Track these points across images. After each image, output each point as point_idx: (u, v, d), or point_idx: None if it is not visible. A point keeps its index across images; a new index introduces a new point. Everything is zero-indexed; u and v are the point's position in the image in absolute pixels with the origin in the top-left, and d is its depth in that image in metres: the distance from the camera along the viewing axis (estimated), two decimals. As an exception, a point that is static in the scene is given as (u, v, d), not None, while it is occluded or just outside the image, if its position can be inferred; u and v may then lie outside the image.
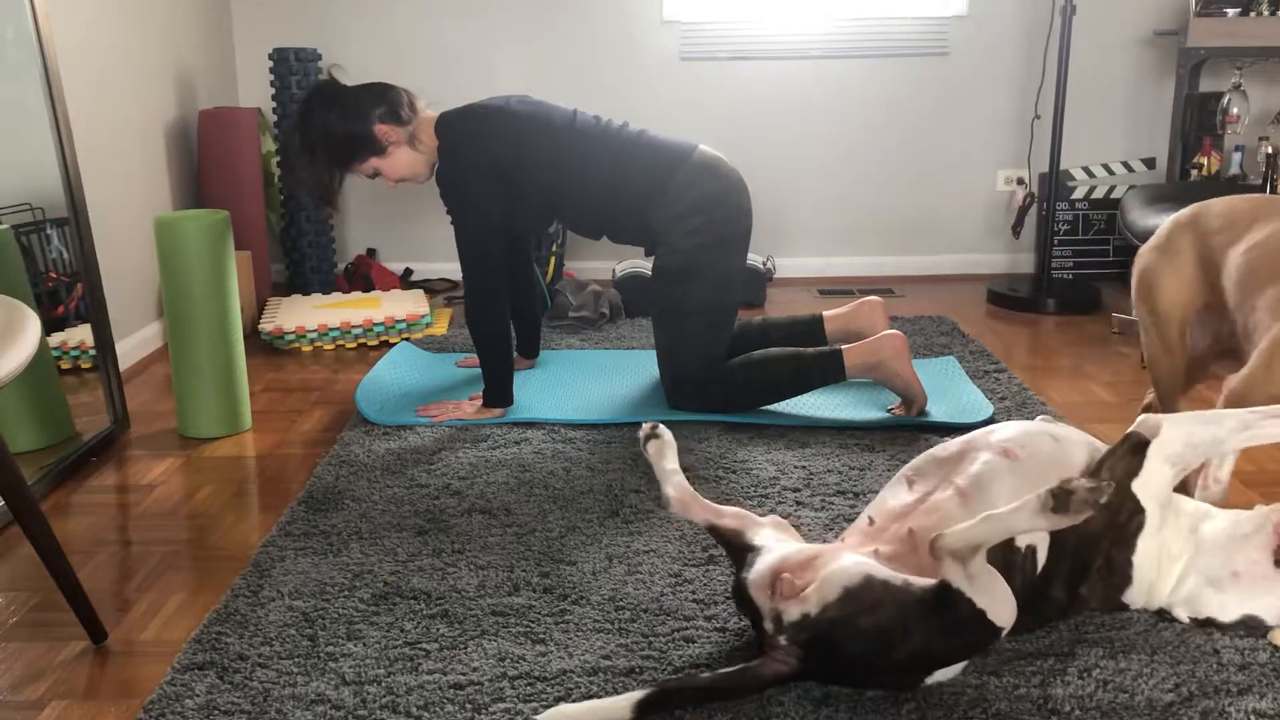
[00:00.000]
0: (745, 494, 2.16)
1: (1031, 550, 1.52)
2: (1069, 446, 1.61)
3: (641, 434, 1.77)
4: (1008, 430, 1.64)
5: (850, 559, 1.49)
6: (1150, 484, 1.54)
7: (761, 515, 1.72)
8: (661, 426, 1.77)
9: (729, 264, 2.59)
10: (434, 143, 2.59)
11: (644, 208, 2.56)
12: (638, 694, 1.42)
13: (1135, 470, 1.54)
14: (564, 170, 2.56)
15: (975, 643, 1.41)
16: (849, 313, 2.74)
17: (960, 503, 1.54)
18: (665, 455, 1.73)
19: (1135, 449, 1.55)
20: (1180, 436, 1.54)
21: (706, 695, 1.47)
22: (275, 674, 1.57)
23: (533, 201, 2.61)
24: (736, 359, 2.60)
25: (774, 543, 1.62)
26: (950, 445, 1.67)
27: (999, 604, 1.37)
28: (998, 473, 1.56)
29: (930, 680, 1.47)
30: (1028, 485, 1.52)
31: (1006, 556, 1.48)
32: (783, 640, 1.47)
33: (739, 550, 1.63)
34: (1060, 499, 1.26)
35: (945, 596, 1.36)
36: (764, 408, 2.63)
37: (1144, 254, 2.10)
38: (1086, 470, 1.59)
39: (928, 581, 1.41)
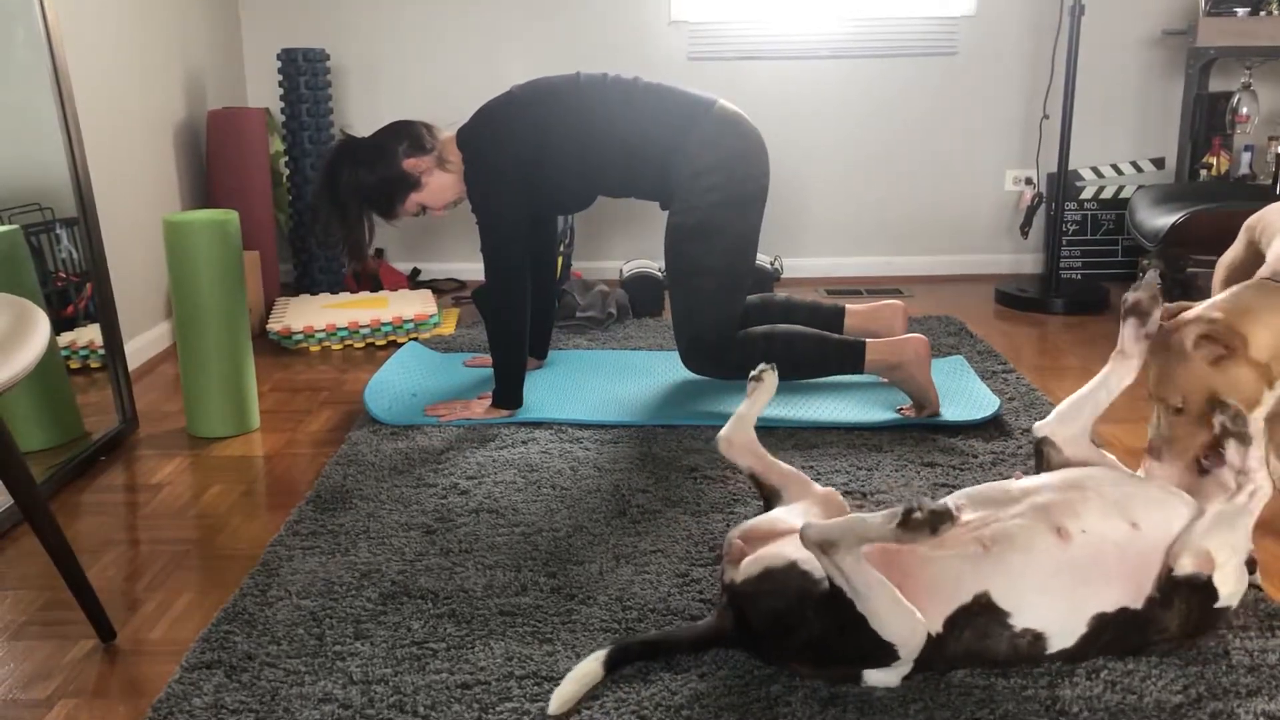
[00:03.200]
0: (752, 494, 2.16)
1: (1035, 635, 1.49)
2: (1145, 542, 1.53)
3: (755, 370, 1.79)
4: (1085, 503, 1.54)
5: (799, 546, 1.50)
6: (1231, 580, 1.53)
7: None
8: (771, 373, 1.79)
9: (746, 223, 2.58)
10: (460, 159, 2.59)
11: (665, 162, 2.55)
12: (601, 652, 1.52)
13: (1214, 596, 1.52)
14: (586, 137, 2.56)
15: (871, 650, 1.43)
16: (871, 311, 2.74)
17: (978, 557, 1.48)
18: (754, 400, 1.77)
19: (1201, 590, 1.52)
20: (1226, 552, 1.51)
21: (659, 647, 1.56)
22: (283, 673, 1.58)
23: (569, 177, 2.60)
24: (760, 327, 2.60)
25: (795, 513, 1.66)
26: (1028, 481, 1.61)
27: (888, 619, 1.40)
28: (1033, 550, 1.49)
29: (866, 682, 1.49)
30: (1064, 580, 1.48)
31: (989, 627, 1.47)
32: (724, 598, 1.57)
33: (768, 507, 1.73)
34: (904, 518, 1.31)
35: (838, 594, 1.41)
36: (768, 409, 2.63)
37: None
38: (1156, 583, 1.52)
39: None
